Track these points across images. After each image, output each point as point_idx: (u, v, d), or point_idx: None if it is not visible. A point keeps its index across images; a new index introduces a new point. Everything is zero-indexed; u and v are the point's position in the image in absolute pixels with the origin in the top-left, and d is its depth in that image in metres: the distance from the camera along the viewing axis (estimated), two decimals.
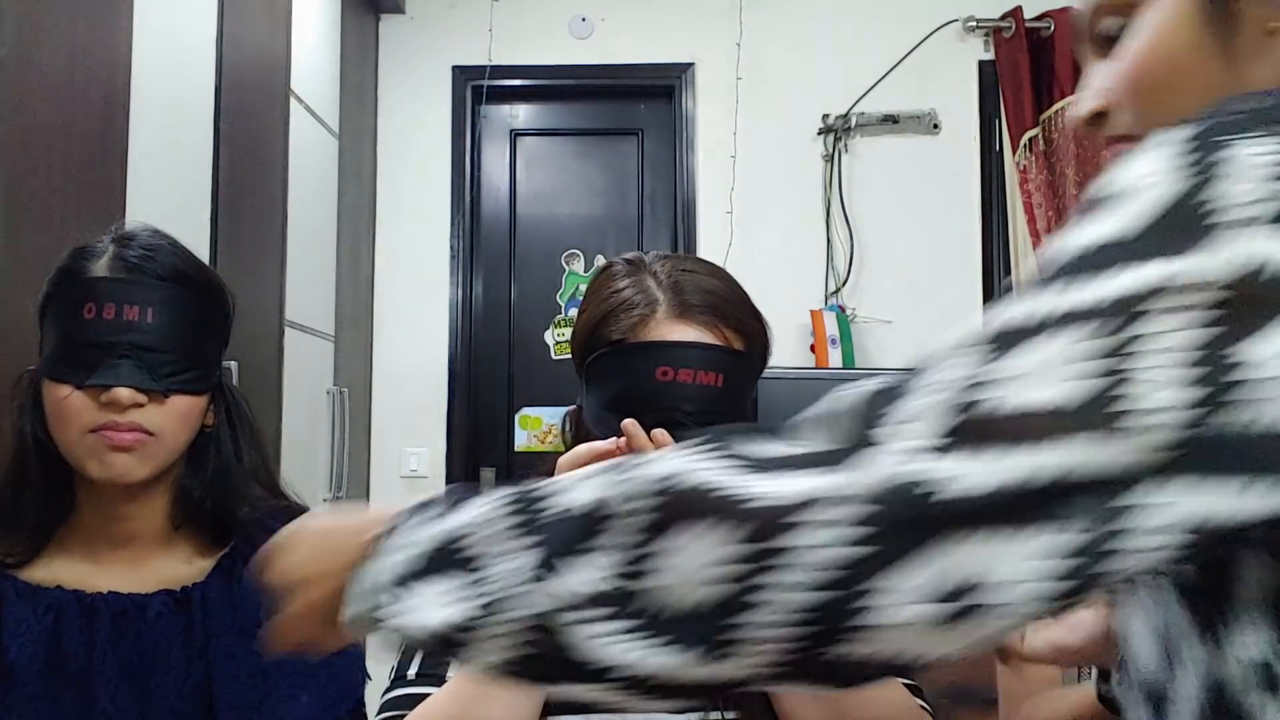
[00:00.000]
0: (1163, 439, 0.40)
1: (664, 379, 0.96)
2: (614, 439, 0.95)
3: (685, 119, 3.59)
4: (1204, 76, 0.58)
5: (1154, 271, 0.42)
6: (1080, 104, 0.64)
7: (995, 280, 3.50)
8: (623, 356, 0.99)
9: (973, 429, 0.42)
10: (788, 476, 0.43)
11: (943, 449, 0.42)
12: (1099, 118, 0.63)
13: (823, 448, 0.44)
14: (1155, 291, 0.42)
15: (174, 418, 1.08)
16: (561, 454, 1.03)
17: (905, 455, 0.42)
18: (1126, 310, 0.42)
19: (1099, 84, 0.63)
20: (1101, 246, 0.44)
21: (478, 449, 3.59)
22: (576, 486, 0.50)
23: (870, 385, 0.47)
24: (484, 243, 3.67)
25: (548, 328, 3.62)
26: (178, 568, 1.13)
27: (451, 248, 3.60)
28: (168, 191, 2.01)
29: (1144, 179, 0.45)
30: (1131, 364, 0.41)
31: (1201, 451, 0.40)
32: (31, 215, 1.55)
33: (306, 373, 2.82)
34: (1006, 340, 0.44)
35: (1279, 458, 0.40)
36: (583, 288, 3.65)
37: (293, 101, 2.70)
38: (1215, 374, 0.41)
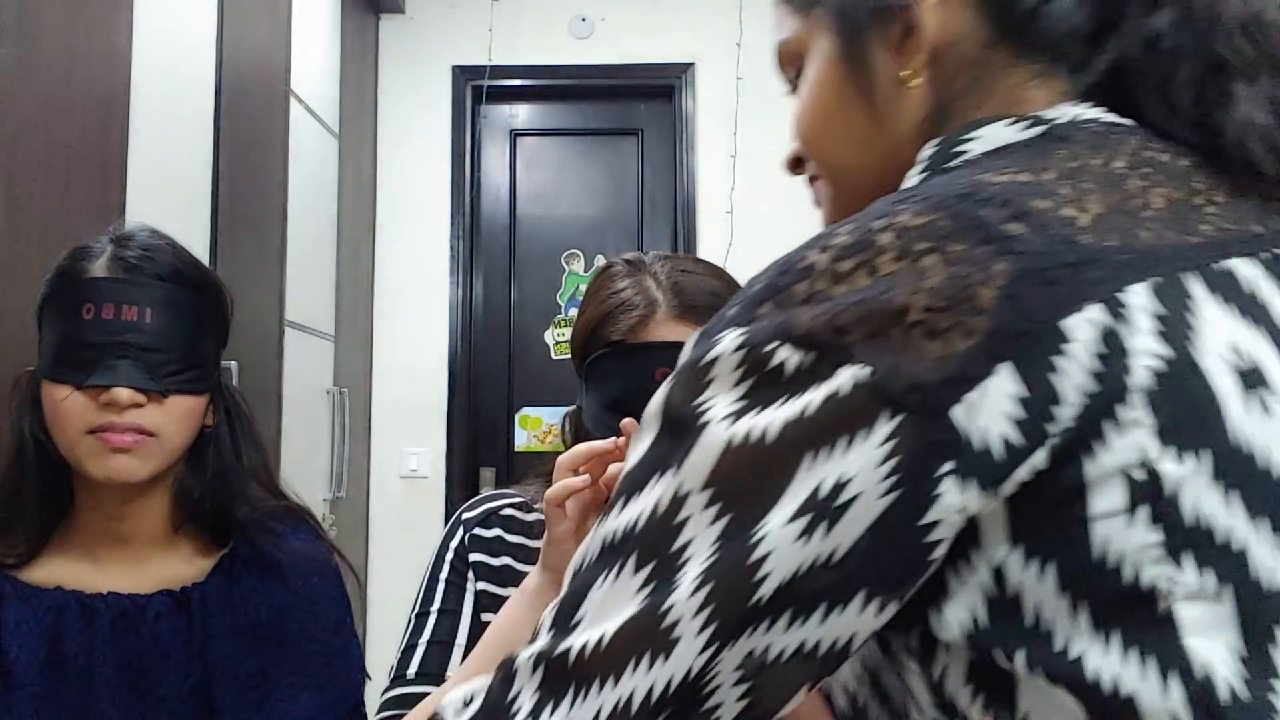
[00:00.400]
0: (707, 637, 0.44)
1: (663, 379, 0.96)
2: (613, 439, 0.95)
3: (685, 119, 3.59)
4: (856, 127, 0.61)
5: (664, 486, 0.47)
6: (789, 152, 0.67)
7: None
8: (622, 357, 0.99)
9: (559, 679, 0.47)
10: None
11: (542, 707, 0.47)
12: (799, 162, 0.66)
13: None
14: (671, 504, 0.46)
15: (174, 418, 1.08)
16: (561, 454, 1.03)
17: None
18: (658, 528, 0.46)
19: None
20: (635, 467, 0.49)
21: (478, 449, 3.59)
22: None
23: (506, 661, 0.50)
24: (484, 243, 3.67)
25: (548, 328, 3.62)
26: (178, 568, 1.13)
27: (451, 248, 3.60)
28: (168, 191, 2.01)
29: (657, 396, 0.50)
30: (667, 576, 0.45)
31: (739, 623, 0.44)
32: (31, 215, 1.55)
33: (306, 373, 2.82)
34: (579, 580, 0.49)
35: (807, 598, 0.44)
36: (583, 288, 3.64)
37: (293, 101, 2.70)
38: (734, 561, 0.44)
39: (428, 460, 3.53)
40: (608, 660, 0.46)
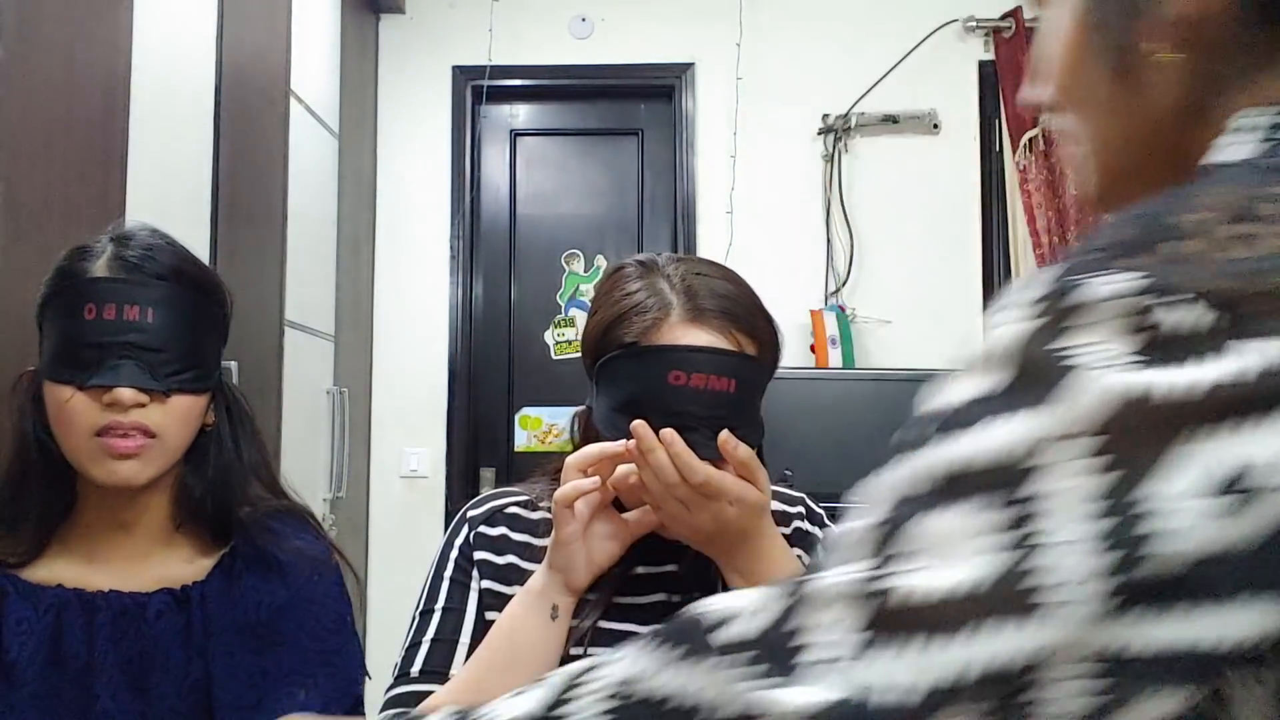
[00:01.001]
0: (1085, 613, 0.39)
1: (676, 383, 0.96)
2: (623, 441, 0.95)
3: (685, 119, 3.59)
4: (1102, 93, 0.57)
5: (1024, 426, 0.42)
6: (1030, 91, 0.63)
7: (995, 280, 3.50)
8: (635, 360, 0.98)
9: (887, 623, 0.41)
10: (737, 689, 0.43)
11: (863, 650, 0.41)
12: (1044, 107, 0.62)
13: (762, 665, 0.43)
14: (1034, 447, 0.41)
15: (176, 417, 1.08)
16: (568, 454, 1.03)
17: (833, 670, 0.41)
18: (1012, 470, 0.41)
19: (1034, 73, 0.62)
20: (970, 404, 0.44)
21: (478, 449, 3.59)
22: (518, 700, 0.49)
23: (789, 584, 0.45)
24: (484, 243, 3.67)
25: (548, 328, 3.62)
26: (178, 566, 1.13)
27: (451, 248, 3.60)
28: (168, 191, 2.01)
29: (1004, 333, 0.44)
30: (1033, 530, 0.40)
31: (1125, 609, 0.39)
32: (31, 215, 1.55)
33: (306, 373, 2.82)
34: (897, 510, 0.43)
35: (1200, 588, 0.39)
36: (583, 288, 3.65)
37: (293, 101, 2.70)
38: (1125, 526, 0.39)
39: (428, 460, 3.53)
40: (955, 615, 0.40)
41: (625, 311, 1.00)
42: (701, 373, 0.96)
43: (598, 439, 1.01)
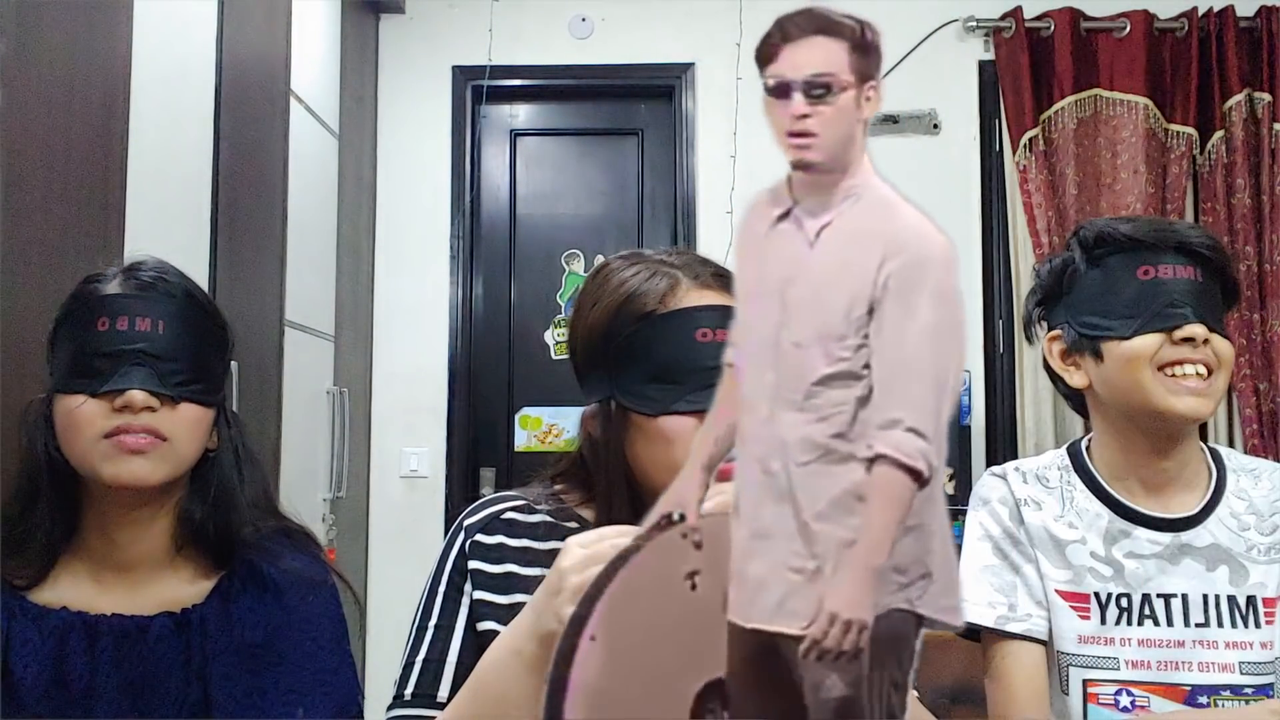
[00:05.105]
0: None
1: (704, 340, 0.99)
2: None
3: (685, 119, 3.59)
4: None
5: None
6: None
7: (995, 280, 3.50)
8: (658, 326, 1.01)
9: None
10: None
11: None
12: None
13: None
14: None
15: (185, 425, 1.09)
16: (569, 453, 1.03)
17: None
18: None
19: None
20: None
21: (478, 449, 3.59)
22: None
23: None
24: (484, 243, 3.67)
25: (548, 328, 3.62)
26: (179, 589, 1.14)
27: (451, 248, 3.60)
28: (168, 192, 2.01)
29: None
30: None
31: None
32: (32, 215, 1.55)
33: (306, 373, 2.82)
34: None
35: None
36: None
37: (293, 102, 2.70)
38: None
39: (428, 460, 3.53)
40: None
41: (635, 289, 1.03)
42: (724, 329, 0.98)
43: (619, 433, 1.01)
